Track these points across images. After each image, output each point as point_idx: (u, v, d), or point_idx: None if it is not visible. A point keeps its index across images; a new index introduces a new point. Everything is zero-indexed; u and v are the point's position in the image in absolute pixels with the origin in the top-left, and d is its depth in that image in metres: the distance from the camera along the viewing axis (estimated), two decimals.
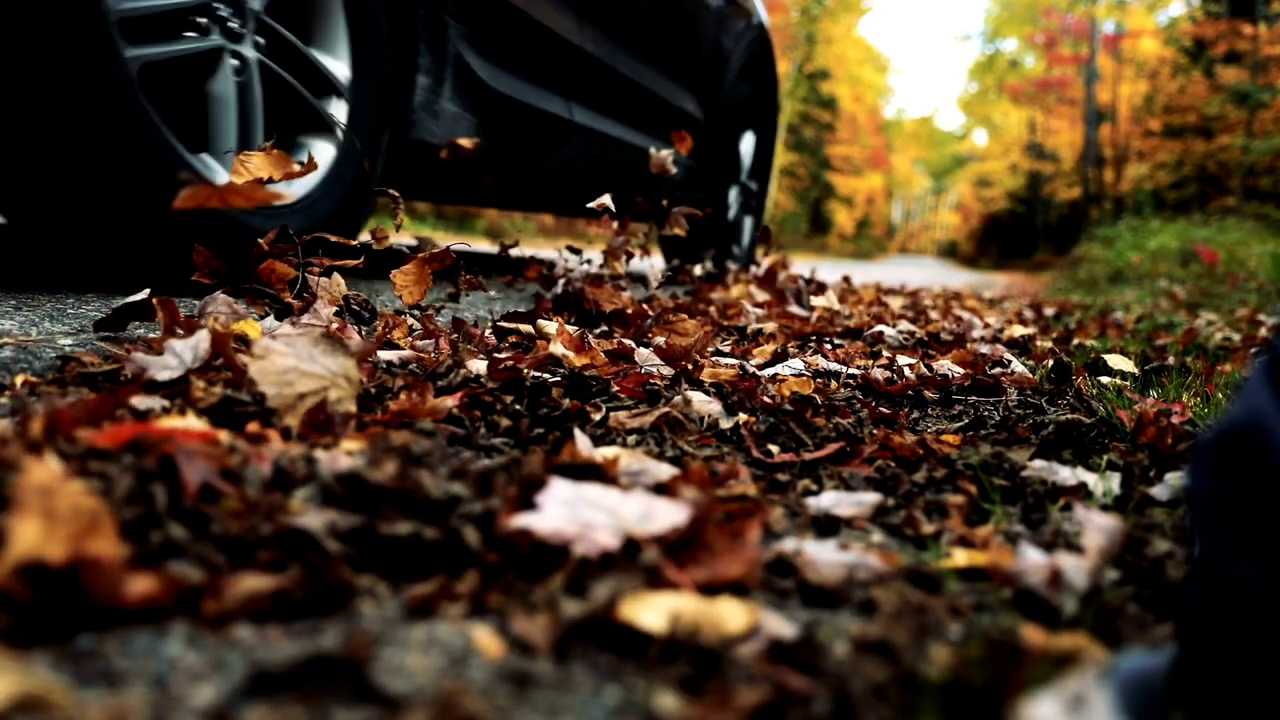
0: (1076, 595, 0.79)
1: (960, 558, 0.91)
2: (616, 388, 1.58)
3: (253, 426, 1.03)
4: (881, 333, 2.63)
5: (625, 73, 3.09)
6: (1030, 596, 0.82)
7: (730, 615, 0.67)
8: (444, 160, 2.39)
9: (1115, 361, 2.36)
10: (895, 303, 3.84)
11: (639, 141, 3.33)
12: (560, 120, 2.81)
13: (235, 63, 1.97)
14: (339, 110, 2.20)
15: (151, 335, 1.52)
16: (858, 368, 2.11)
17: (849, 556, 0.86)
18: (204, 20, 1.88)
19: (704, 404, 1.44)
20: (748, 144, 4.53)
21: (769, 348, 2.28)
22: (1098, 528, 0.85)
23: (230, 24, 1.93)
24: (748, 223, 4.82)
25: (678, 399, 1.44)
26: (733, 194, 4.38)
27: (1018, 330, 3.20)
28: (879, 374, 1.95)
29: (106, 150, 1.64)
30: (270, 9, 2.04)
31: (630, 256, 2.54)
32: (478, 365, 1.57)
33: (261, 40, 2.04)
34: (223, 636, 0.63)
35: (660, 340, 1.97)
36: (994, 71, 49.16)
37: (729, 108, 3.98)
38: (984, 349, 2.53)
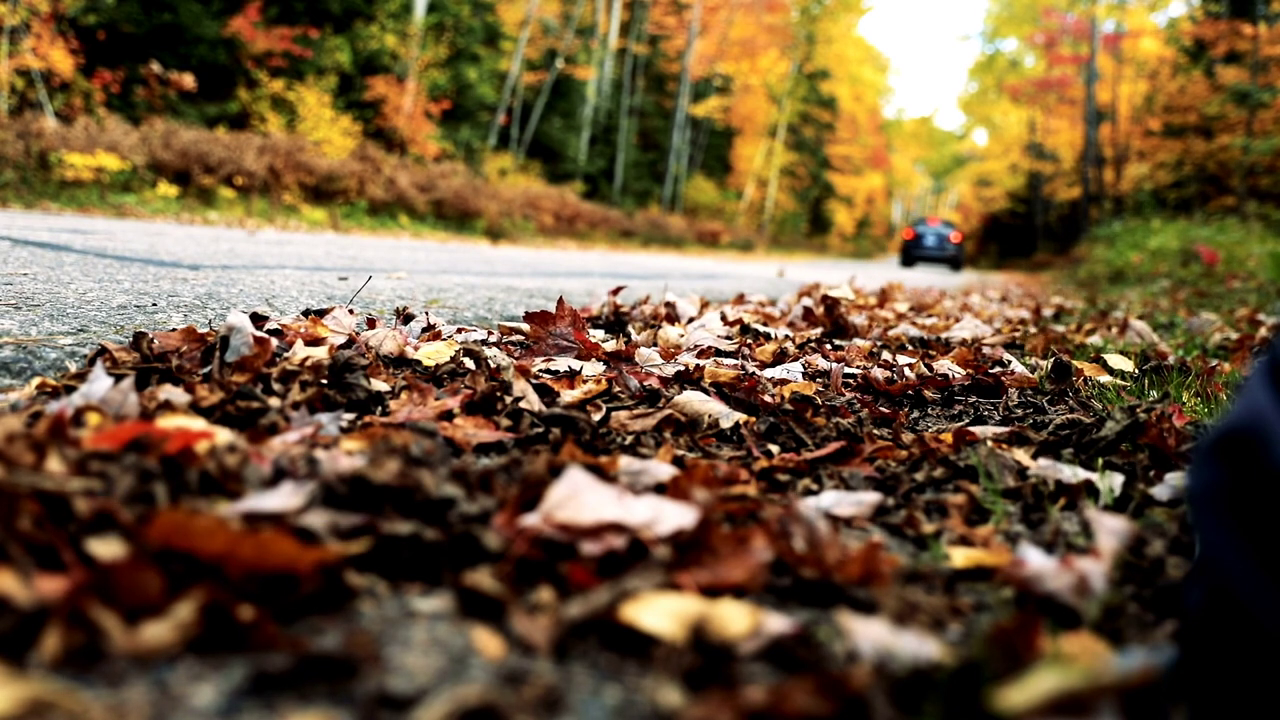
0: (1099, 601, 0.78)
1: (960, 557, 0.91)
2: (617, 388, 1.58)
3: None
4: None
5: (940, 246, 28.53)
6: (1030, 595, 0.81)
7: (733, 618, 0.67)
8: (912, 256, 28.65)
9: (1115, 361, 2.36)
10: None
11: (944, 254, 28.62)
12: (927, 256, 28.59)
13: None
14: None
15: None
16: (858, 367, 2.11)
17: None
18: None
19: (704, 404, 1.44)
20: (958, 249, 27.86)
21: (770, 347, 2.28)
22: (1110, 530, 0.85)
23: None
24: (961, 260, 28.05)
25: (678, 399, 1.44)
26: (960, 259, 28.01)
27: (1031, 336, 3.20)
28: (879, 374, 1.95)
29: None
30: None
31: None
32: None
33: None
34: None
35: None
36: (994, 71, 49.07)
37: (955, 244, 28.00)
38: (985, 349, 2.53)
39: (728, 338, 2.50)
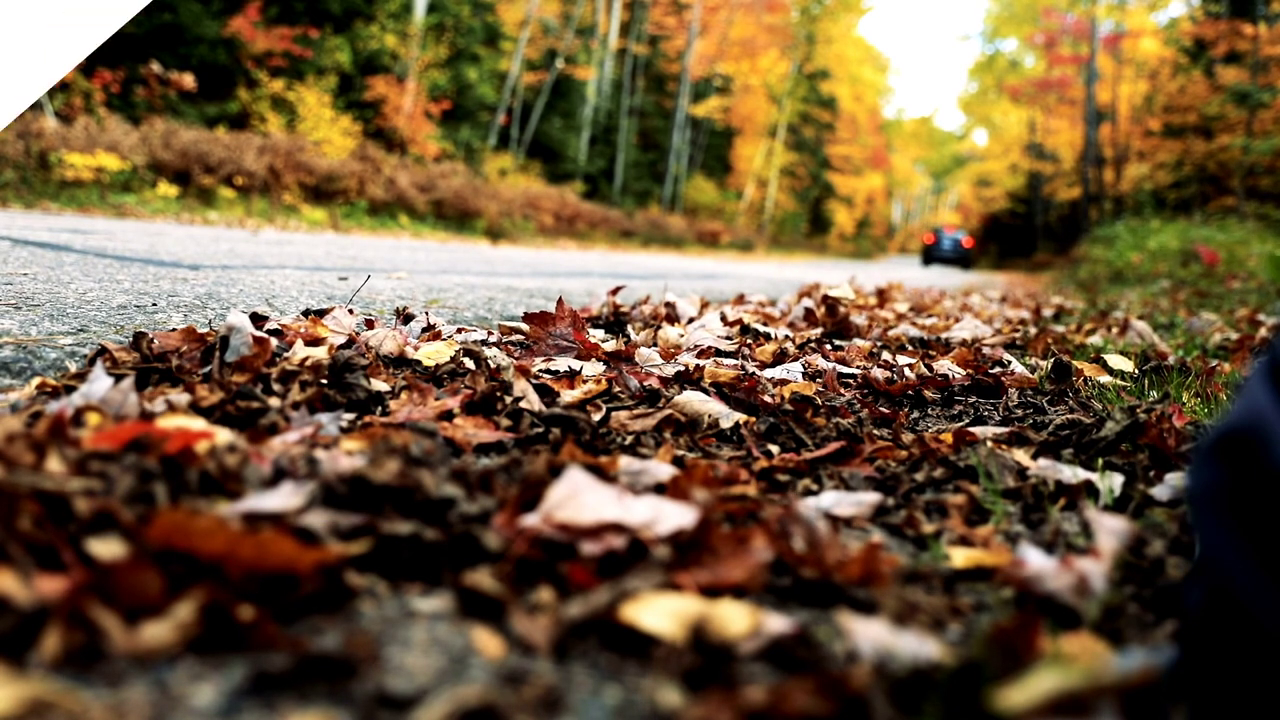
0: (1099, 601, 0.78)
1: (960, 557, 0.91)
2: (618, 388, 1.58)
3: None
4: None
5: (954, 249, 34.70)
6: (1030, 595, 0.81)
7: (733, 618, 0.67)
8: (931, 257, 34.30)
9: (1115, 361, 2.36)
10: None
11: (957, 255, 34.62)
12: (943, 257, 34.35)
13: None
14: None
15: None
16: (858, 367, 2.11)
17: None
18: None
19: (704, 404, 1.44)
20: (968, 252, 34.04)
21: (770, 347, 2.28)
22: (1110, 530, 0.85)
23: None
24: (971, 261, 33.97)
25: (678, 399, 1.44)
26: (970, 260, 33.69)
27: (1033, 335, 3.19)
28: (879, 374, 1.95)
29: None
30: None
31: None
32: None
33: None
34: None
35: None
36: (994, 71, 49.03)
37: (966, 248, 33.91)
38: (985, 349, 2.53)
39: (728, 338, 2.50)
